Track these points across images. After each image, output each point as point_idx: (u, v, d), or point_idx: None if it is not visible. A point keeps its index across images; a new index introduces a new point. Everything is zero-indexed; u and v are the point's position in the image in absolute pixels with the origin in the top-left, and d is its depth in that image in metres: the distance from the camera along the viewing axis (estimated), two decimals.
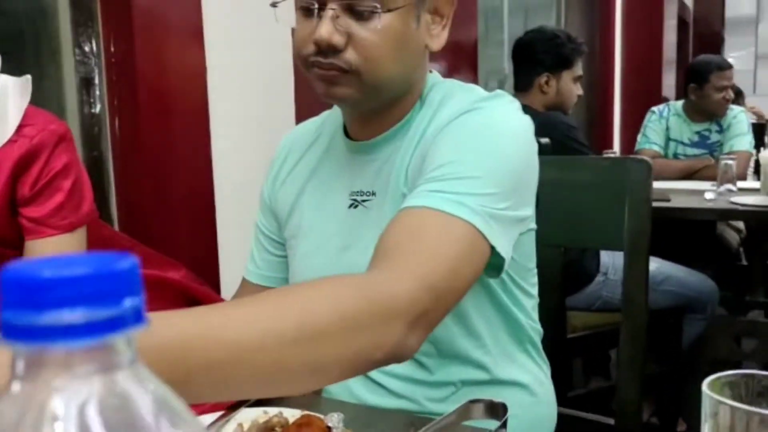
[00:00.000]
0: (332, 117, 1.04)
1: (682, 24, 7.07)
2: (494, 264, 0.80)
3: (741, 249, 3.19)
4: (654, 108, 3.51)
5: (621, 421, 1.22)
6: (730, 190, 2.68)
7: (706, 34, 8.35)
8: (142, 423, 0.21)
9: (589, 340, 2.11)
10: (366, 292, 0.64)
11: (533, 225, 0.94)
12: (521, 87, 2.35)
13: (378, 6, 0.82)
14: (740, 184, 2.76)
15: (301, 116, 1.73)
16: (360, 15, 0.82)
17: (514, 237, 0.83)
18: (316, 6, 0.83)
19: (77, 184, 1.13)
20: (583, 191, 1.32)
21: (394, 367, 0.86)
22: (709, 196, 2.58)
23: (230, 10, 1.59)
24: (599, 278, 2.14)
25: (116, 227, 1.50)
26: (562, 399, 1.11)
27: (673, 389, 2.33)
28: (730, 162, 2.65)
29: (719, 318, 2.48)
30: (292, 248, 1.02)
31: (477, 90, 0.93)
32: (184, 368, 0.52)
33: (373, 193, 0.92)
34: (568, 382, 2.27)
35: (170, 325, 0.53)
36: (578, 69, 2.34)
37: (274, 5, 0.87)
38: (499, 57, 3.77)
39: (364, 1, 0.81)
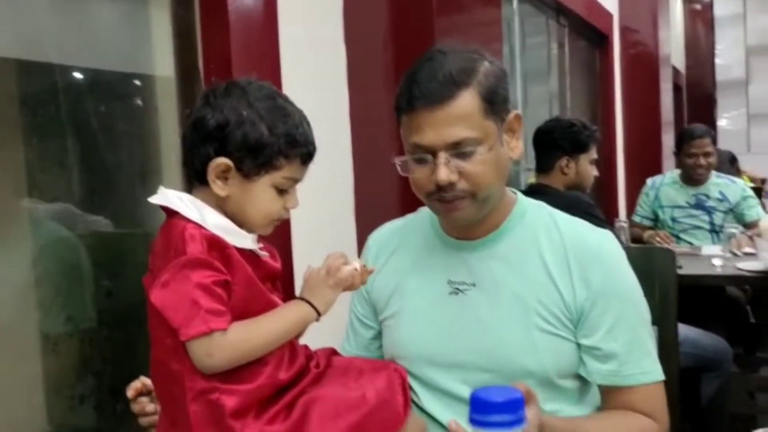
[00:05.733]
0: (416, 221, 1.29)
1: (676, 89, 7.43)
2: None
3: (749, 307, 3.38)
4: (648, 179, 3.81)
5: None
6: (735, 255, 2.92)
7: (699, 97, 8.76)
8: None
9: None
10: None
11: None
12: (544, 169, 2.59)
13: (478, 146, 1.06)
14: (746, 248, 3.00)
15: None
16: (464, 155, 1.07)
17: None
18: (430, 156, 1.07)
19: None
20: None
21: None
22: (716, 262, 2.81)
23: None
24: None
25: None
26: None
27: None
28: (734, 230, 2.89)
29: (734, 375, 2.66)
30: (390, 327, 1.24)
31: (582, 224, 1.19)
32: None
33: (473, 284, 1.16)
34: None
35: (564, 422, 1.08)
36: (593, 153, 2.60)
37: (394, 163, 1.13)
38: None
39: (466, 147, 1.06)
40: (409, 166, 1.11)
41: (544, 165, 2.59)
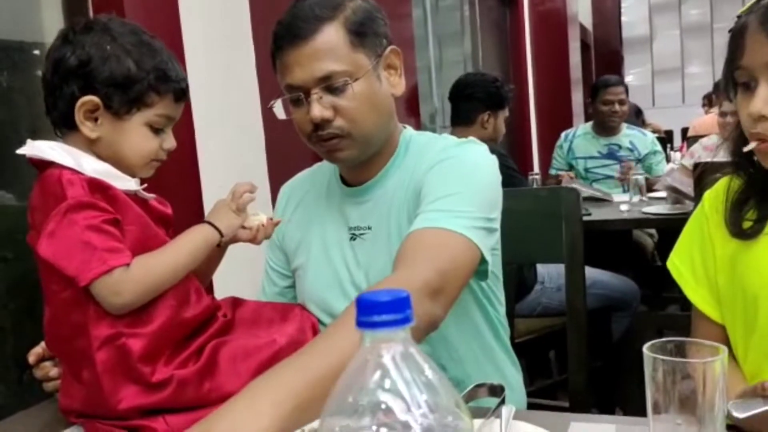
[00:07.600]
0: (321, 170, 1.28)
1: (584, 47, 7.63)
2: (481, 270, 1.05)
3: (655, 251, 3.55)
4: (562, 133, 3.94)
5: (575, 404, 1.47)
6: (642, 200, 3.05)
7: (606, 54, 9.02)
8: (417, 363, 0.45)
9: (534, 342, 2.38)
10: (396, 282, 0.90)
11: (498, 245, 1.18)
12: (463, 122, 2.62)
13: (348, 79, 1.05)
14: (650, 193, 3.14)
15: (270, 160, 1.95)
16: (336, 90, 1.06)
17: (491, 245, 1.07)
18: (303, 95, 1.06)
19: None
20: (527, 216, 1.58)
21: None
22: (623, 207, 2.93)
23: (207, 81, 1.78)
24: (537, 287, 2.42)
25: None
26: None
27: (609, 381, 2.62)
28: (639, 177, 3.01)
29: (642, 314, 2.79)
30: (300, 277, 1.24)
31: (450, 138, 1.18)
32: None
33: (369, 228, 1.16)
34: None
35: None
36: (507, 111, 2.67)
37: (270, 108, 1.12)
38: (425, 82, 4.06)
39: (337, 81, 1.05)
40: (289, 110, 1.10)
41: (464, 117, 2.63)
